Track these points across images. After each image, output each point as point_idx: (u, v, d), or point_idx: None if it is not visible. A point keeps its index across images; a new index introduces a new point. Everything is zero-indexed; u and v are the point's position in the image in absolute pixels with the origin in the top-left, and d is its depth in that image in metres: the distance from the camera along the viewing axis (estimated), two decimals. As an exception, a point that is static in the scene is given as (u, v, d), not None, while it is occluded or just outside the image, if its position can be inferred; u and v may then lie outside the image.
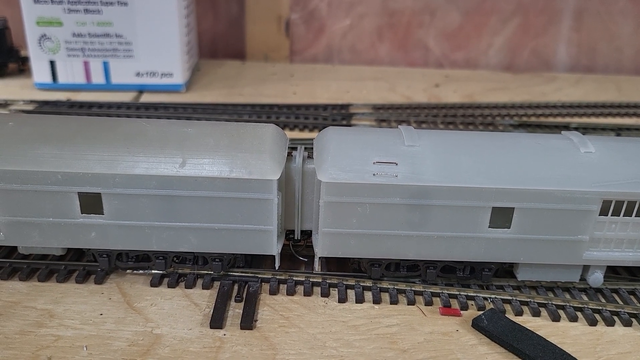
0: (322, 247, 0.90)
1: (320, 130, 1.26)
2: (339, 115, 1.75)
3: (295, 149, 0.96)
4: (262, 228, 0.88)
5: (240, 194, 0.85)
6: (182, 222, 0.87)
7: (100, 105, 1.72)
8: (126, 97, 1.82)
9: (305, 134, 1.62)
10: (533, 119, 1.75)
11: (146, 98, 1.81)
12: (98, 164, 0.84)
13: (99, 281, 0.92)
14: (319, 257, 0.91)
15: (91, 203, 0.85)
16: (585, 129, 1.66)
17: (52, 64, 1.81)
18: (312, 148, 0.96)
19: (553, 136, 0.98)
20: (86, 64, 1.82)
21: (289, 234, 0.98)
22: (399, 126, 0.97)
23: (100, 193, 0.84)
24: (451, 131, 1.03)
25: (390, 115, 1.75)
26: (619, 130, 1.69)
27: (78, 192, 0.85)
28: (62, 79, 1.83)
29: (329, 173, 0.85)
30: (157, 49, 1.80)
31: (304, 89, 2.01)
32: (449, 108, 1.82)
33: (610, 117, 1.85)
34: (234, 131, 0.89)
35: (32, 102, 1.72)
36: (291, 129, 1.65)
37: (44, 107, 1.68)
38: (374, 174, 0.85)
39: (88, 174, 0.83)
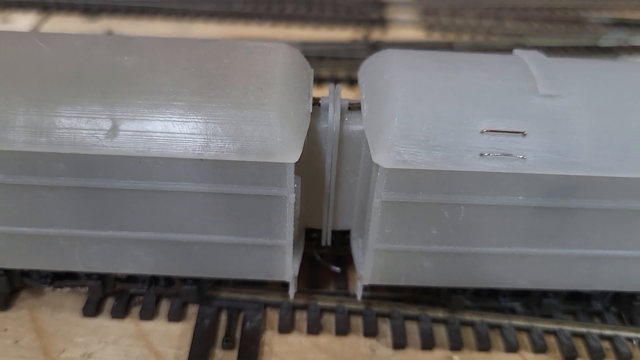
0: (373, 271, 0.57)
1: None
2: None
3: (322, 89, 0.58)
4: (266, 242, 0.54)
5: (224, 188, 0.50)
6: (121, 230, 0.53)
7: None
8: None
9: (322, 34, 1.17)
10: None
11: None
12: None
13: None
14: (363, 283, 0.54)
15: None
16: None
17: None
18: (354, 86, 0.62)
19: None
20: None
21: (310, 232, 0.62)
22: (518, 51, 0.54)
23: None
24: (615, 63, 0.60)
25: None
26: None
27: None
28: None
29: (395, 149, 0.47)
30: None
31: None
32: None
33: None
34: (212, 58, 0.51)
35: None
36: (301, 24, 1.21)
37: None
38: (481, 154, 0.47)
39: None
